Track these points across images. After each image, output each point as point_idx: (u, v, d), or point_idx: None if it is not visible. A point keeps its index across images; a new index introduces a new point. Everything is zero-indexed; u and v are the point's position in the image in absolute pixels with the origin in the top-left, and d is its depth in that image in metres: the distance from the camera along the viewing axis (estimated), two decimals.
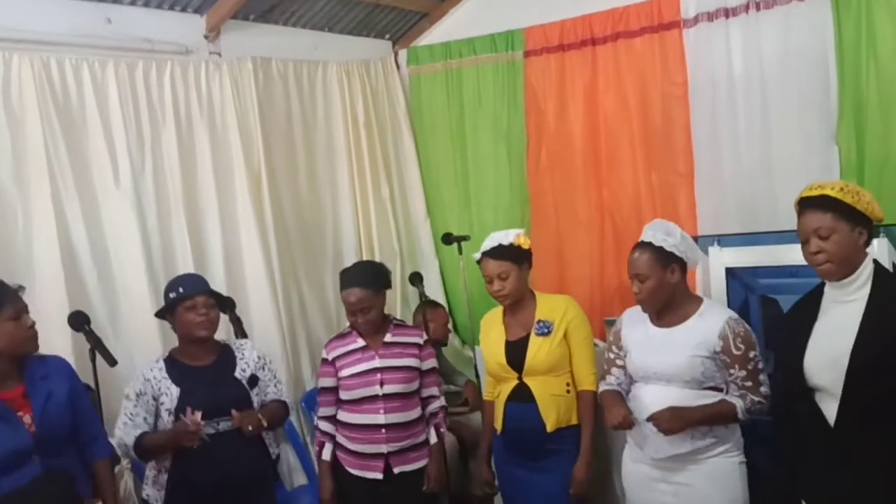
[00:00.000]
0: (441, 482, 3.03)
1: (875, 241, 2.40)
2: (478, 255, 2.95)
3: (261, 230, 3.94)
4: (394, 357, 3.00)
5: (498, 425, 2.96)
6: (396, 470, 2.96)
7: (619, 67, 4.13)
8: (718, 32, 3.85)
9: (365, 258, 4.40)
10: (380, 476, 2.95)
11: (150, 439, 2.69)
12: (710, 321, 2.50)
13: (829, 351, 2.08)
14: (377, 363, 2.98)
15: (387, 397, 2.95)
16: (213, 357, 2.85)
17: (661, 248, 2.52)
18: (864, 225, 2.10)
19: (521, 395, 2.88)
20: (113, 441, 2.72)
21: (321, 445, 3.06)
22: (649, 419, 2.45)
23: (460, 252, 4.08)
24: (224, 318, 3.03)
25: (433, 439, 3.05)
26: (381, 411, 2.94)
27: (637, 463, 2.63)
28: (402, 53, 4.79)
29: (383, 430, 2.94)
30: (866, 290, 2.08)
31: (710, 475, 2.47)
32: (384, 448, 2.95)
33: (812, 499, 2.19)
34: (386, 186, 4.56)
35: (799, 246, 3.25)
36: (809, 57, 3.65)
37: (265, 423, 2.77)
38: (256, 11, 4.14)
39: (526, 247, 2.90)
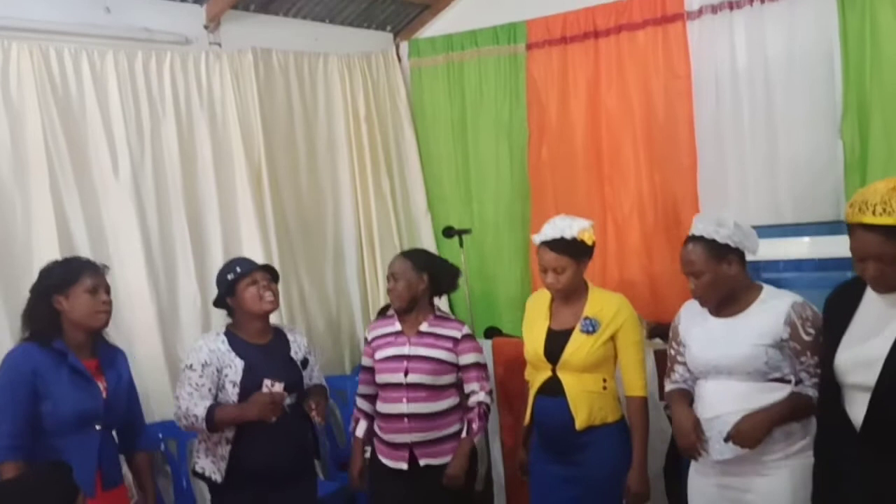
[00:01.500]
0: (455, 477, 2.92)
1: None
2: (538, 240, 2.76)
3: (261, 223, 3.92)
4: (425, 347, 2.96)
5: (526, 417, 2.85)
6: (422, 462, 2.93)
7: (621, 61, 4.10)
8: (722, 25, 3.82)
9: (365, 252, 4.40)
10: (405, 466, 2.93)
11: (223, 410, 2.71)
12: (774, 307, 2.33)
13: (864, 348, 1.97)
14: (406, 350, 2.96)
15: (410, 387, 2.92)
16: (269, 336, 2.91)
17: (713, 241, 2.35)
18: None
19: (552, 389, 2.72)
20: (176, 413, 2.77)
21: (356, 421, 3.09)
22: (726, 440, 2.27)
23: (461, 245, 4.06)
24: None
25: (464, 433, 2.97)
26: (404, 400, 2.92)
27: (703, 474, 2.44)
28: (404, 46, 4.76)
29: (406, 420, 2.92)
30: None
31: (790, 477, 2.28)
32: (408, 438, 2.93)
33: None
34: (387, 180, 4.53)
35: (802, 240, 3.26)
36: (814, 51, 3.63)
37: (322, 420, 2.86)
38: (257, 2, 4.12)
39: (590, 243, 2.71)
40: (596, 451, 2.69)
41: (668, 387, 2.59)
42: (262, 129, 3.99)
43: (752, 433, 2.25)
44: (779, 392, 2.31)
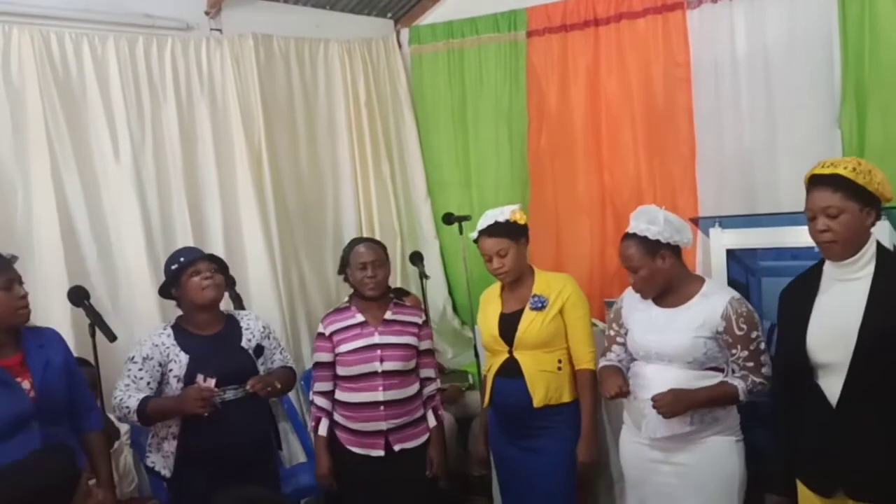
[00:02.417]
0: (443, 467, 3.04)
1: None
2: (474, 235, 2.93)
3: (261, 207, 3.94)
4: (393, 334, 3.00)
5: (486, 399, 2.98)
6: (397, 447, 2.96)
7: (621, 49, 4.11)
8: (722, 14, 3.84)
9: (365, 236, 4.40)
10: (381, 453, 2.95)
11: (155, 403, 2.67)
12: (713, 301, 2.48)
13: (834, 328, 2.07)
14: (377, 339, 2.98)
15: (386, 374, 2.95)
16: (219, 326, 2.86)
17: (645, 238, 2.50)
18: (872, 205, 2.07)
19: (510, 370, 2.87)
20: (112, 403, 2.70)
21: (317, 421, 3.04)
22: (652, 400, 2.43)
23: (461, 232, 4.06)
24: (225, 295, 3.02)
25: (432, 422, 3.05)
26: (381, 388, 2.94)
27: (635, 444, 2.62)
28: (405, 32, 4.76)
29: (382, 408, 2.94)
30: (870, 268, 2.07)
31: (709, 454, 2.47)
32: (383, 425, 2.95)
33: (809, 479, 2.20)
34: (387, 165, 4.55)
35: (800, 228, 3.26)
36: (813, 39, 3.64)
37: (279, 386, 2.79)
38: None
39: (522, 222, 2.88)
40: (552, 430, 2.84)
41: (602, 363, 2.75)
42: (262, 114, 4.01)
43: (674, 404, 2.40)
44: (712, 380, 2.47)
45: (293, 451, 3.73)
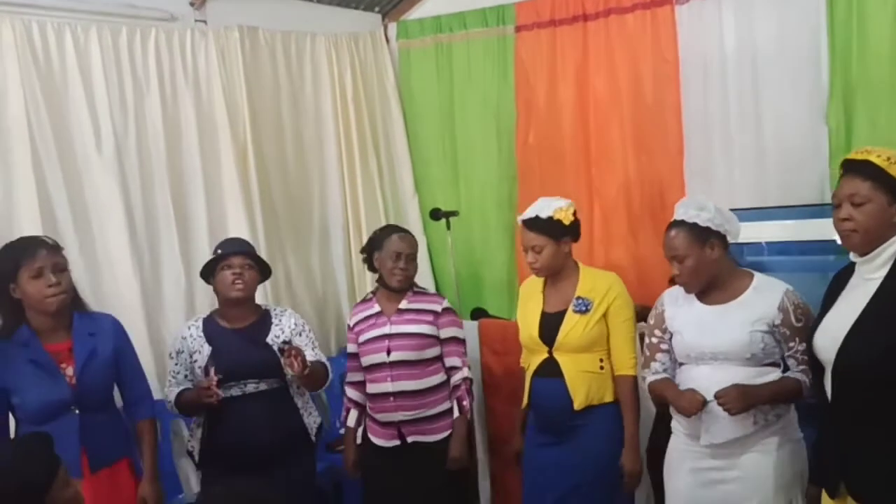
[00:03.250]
0: (460, 462, 2.95)
1: None
2: (519, 220, 2.81)
3: (246, 201, 3.90)
4: (405, 324, 2.97)
5: (524, 400, 2.86)
6: (410, 439, 2.94)
7: (610, 44, 4.09)
8: (711, 10, 3.82)
9: (352, 233, 4.38)
10: (397, 443, 2.94)
11: (183, 396, 2.82)
12: (768, 294, 2.37)
13: (833, 328, 2.02)
14: (387, 329, 2.97)
15: (393, 365, 2.93)
16: (249, 320, 2.89)
17: (695, 225, 2.37)
18: None
19: (549, 370, 2.74)
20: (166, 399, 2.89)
21: (347, 411, 3.10)
22: (716, 397, 2.29)
23: (448, 227, 4.05)
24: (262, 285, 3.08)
25: (456, 413, 2.98)
26: (389, 379, 2.93)
27: (689, 451, 2.46)
28: (392, 27, 4.72)
29: (392, 399, 2.93)
30: (886, 269, 1.98)
31: (770, 459, 2.34)
32: (395, 416, 2.94)
33: (819, 478, 2.16)
34: (374, 161, 4.51)
35: (786, 223, 3.29)
36: (801, 37, 3.64)
37: (307, 370, 2.71)
38: None
39: (567, 222, 2.72)
40: (593, 431, 2.72)
41: (651, 378, 2.57)
42: (248, 108, 3.96)
43: (740, 399, 2.25)
44: (772, 376, 2.36)
45: None
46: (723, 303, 2.42)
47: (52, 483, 1.76)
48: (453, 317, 3.06)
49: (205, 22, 3.94)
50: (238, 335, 2.85)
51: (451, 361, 3.01)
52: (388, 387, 2.93)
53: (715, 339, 2.38)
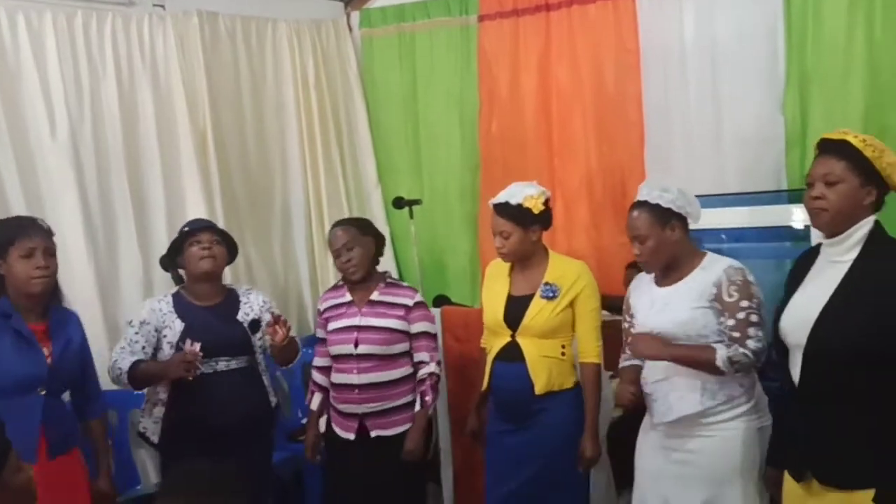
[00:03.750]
0: (414, 454, 2.93)
1: None
2: (490, 204, 2.80)
3: (206, 188, 3.85)
4: (375, 317, 2.93)
5: (484, 382, 2.85)
6: (373, 433, 2.91)
7: (572, 34, 4.10)
8: (671, 1, 3.86)
9: (314, 221, 4.35)
10: (352, 437, 2.92)
11: (145, 367, 2.72)
12: (710, 271, 2.38)
13: (803, 310, 2.01)
14: (357, 321, 2.94)
15: (360, 357, 2.90)
16: (218, 299, 2.89)
17: (657, 206, 2.39)
18: (876, 185, 1.96)
19: (511, 355, 2.74)
20: (109, 364, 2.77)
21: (311, 394, 3.07)
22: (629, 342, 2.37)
23: (411, 216, 4.04)
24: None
25: (418, 407, 2.95)
26: (355, 371, 2.91)
27: (648, 432, 2.50)
28: (355, 15, 4.68)
29: (356, 391, 2.91)
30: (855, 252, 1.97)
31: (723, 441, 2.34)
32: (358, 409, 2.91)
33: (784, 462, 2.16)
34: (336, 149, 4.47)
35: (744, 210, 3.34)
36: (758, 29, 3.70)
37: (286, 339, 2.76)
38: None
39: (537, 211, 2.70)
40: (552, 416, 2.72)
41: (621, 364, 2.61)
42: (207, 94, 3.91)
43: (644, 348, 2.38)
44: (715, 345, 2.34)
45: None
46: (673, 283, 2.44)
47: (2, 468, 1.71)
48: (425, 311, 3.04)
49: (163, 7, 3.88)
50: (210, 312, 2.84)
51: (419, 356, 2.98)
52: (354, 379, 2.91)
53: (661, 320, 2.40)
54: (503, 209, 2.72)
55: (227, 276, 3.79)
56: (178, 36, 3.84)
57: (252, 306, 2.92)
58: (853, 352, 1.91)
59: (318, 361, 3.07)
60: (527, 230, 2.72)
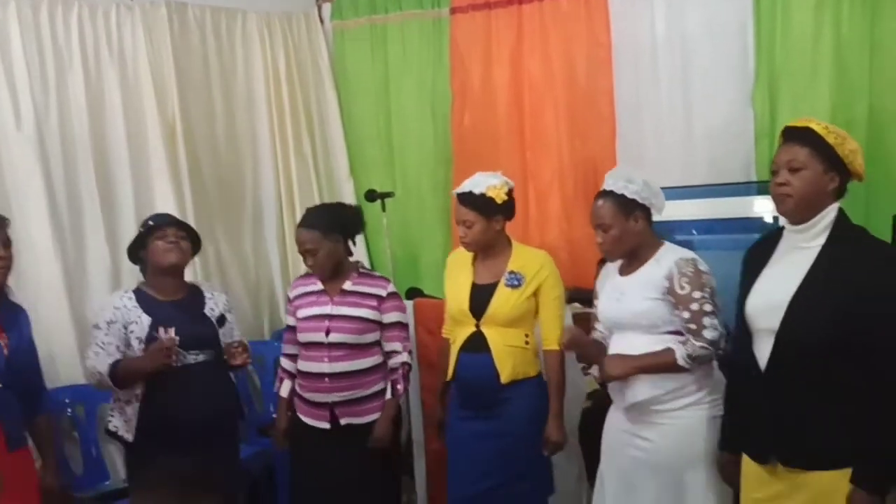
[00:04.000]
0: (381, 440, 2.93)
1: None
2: (453, 193, 2.83)
3: (175, 182, 3.80)
4: (348, 306, 2.92)
5: (449, 372, 2.87)
6: (343, 421, 2.91)
7: (544, 28, 4.11)
8: None
9: (286, 215, 4.33)
10: (326, 426, 2.91)
11: (124, 364, 2.68)
12: (663, 262, 2.41)
13: (772, 295, 2.04)
14: (328, 310, 2.92)
15: (332, 346, 2.89)
16: (182, 294, 2.85)
17: (622, 196, 2.41)
18: (838, 171, 2.00)
19: (476, 345, 2.77)
20: (85, 372, 2.74)
21: (280, 381, 3.05)
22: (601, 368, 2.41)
23: (384, 209, 4.03)
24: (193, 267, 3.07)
25: (388, 395, 2.96)
26: (326, 359, 2.89)
27: (615, 413, 2.56)
28: (326, 7, 4.65)
29: (327, 379, 2.89)
30: (822, 238, 2.01)
31: (681, 427, 2.38)
32: (329, 397, 2.90)
33: (746, 445, 2.19)
34: (308, 142, 4.45)
35: (714, 201, 3.38)
36: (729, 23, 3.74)
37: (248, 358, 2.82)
38: None
39: (500, 200, 2.73)
40: (516, 404, 2.75)
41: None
42: (176, 86, 3.86)
43: (611, 366, 2.40)
44: (669, 344, 2.36)
45: None
46: (632, 273, 2.48)
47: None
48: (398, 301, 3.03)
49: None
50: (175, 306, 2.80)
51: (392, 346, 2.98)
52: (325, 367, 2.89)
53: (618, 309, 2.46)
54: (466, 198, 2.75)
55: (198, 271, 3.79)
56: (146, 27, 3.79)
57: (217, 302, 2.92)
58: (825, 336, 1.95)
59: (287, 349, 3.06)
60: (490, 220, 2.74)
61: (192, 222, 3.78)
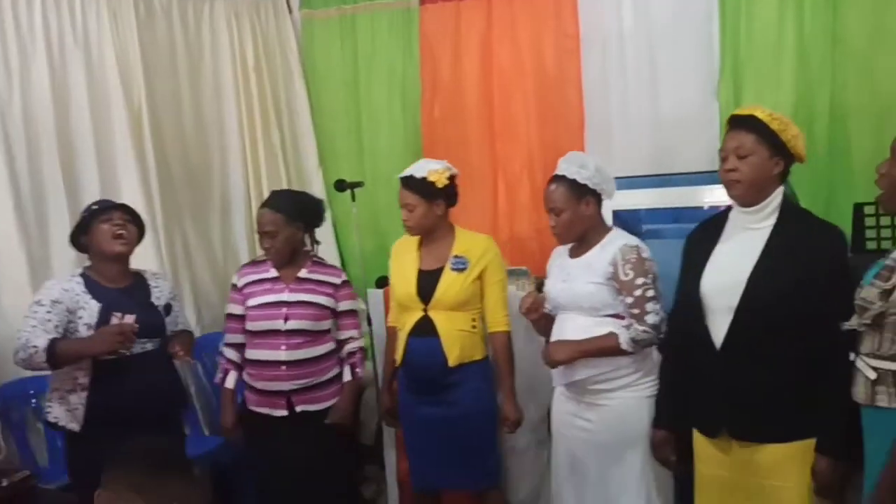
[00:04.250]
0: (343, 417, 2.96)
1: None
2: (398, 178, 2.89)
3: (141, 171, 3.76)
4: (304, 293, 2.93)
5: (398, 357, 2.92)
6: (299, 408, 2.91)
7: (513, 18, 4.12)
8: None
9: (254, 205, 4.29)
10: (284, 413, 2.89)
11: (65, 344, 2.54)
12: (608, 248, 2.50)
13: (728, 274, 2.13)
14: (286, 296, 2.91)
15: (289, 333, 2.89)
16: (128, 281, 2.78)
17: (574, 181, 2.51)
18: (783, 156, 2.13)
19: (424, 330, 2.84)
20: (17, 345, 2.58)
21: (225, 373, 3.01)
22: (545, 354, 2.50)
23: (353, 199, 4.02)
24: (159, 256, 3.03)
25: (347, 377, 3.00)
26: (283, 347, 2.88)
27: (559, 396, 2.66)
28: None
29: (283, 367, 2.88)
30: (773, 219, 2.13)
31: (618, 408, 2.48)
32: (286, 385, 2.89)
33: (696, 419, 2.28)
34: (276, 133, 4.42)
35: (681, 190, 3.43)
36: (694, 15, 3.79)
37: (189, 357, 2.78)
38: None
39: (441, 184, 2.80)
40: (464, 387, 2.84)
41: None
42: (142, 74, 3.82)
43: (555, 352, 2.49)
44: (609, 327, 2.47)
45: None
46: (580, 256, 2.57)
47: None
48: (351, 289, 3.09)
49: None
50: (123, 294, 2.74)
51: (348, 333, 3.03)
52: (282, 355, 2.88)
53: (563, 290, 2.55)
54: (409, 182, 2.84)
55: (164, 260, 3.75)
56: (111, 13, 3.73)
57: (162, 290, 2.86)
58: (784, 310, 2.05)
59: (232, 338, 3.01)
60: (431, 203, 2.83)
61: (158, 211, 3.79)
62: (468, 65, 4.26)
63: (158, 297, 2.83)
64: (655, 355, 2.52)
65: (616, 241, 2.51)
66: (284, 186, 4.39)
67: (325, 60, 4.57)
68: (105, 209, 2.73)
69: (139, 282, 2.84)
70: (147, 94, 3.83)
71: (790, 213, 2.15)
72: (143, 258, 3.66)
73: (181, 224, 4.02)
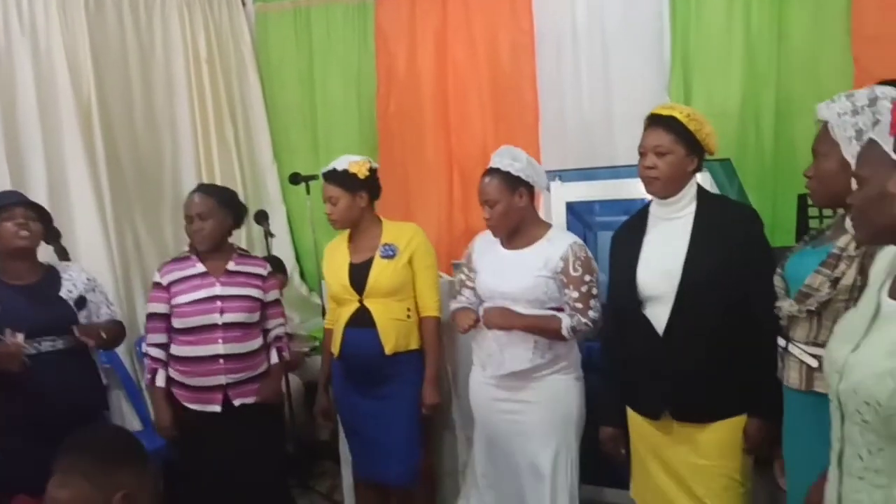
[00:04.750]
0: (270, 395, 2.98)
1: (698, 175, 2.56)
2: (320, 174, 2.94)
3: (90, 164, 3.70)
4: (236, 286, 2.91)
5: (335, 350, 2.95)
6: (236, 402, 2.89)
7: (469, 13, 4.16)
8: None
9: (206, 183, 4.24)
10: (218, 408, 2.87)
11: None
12: (557, 244, 2.57)
13: (661, 263, 2.22)
14: (218, 290, 2.88)
15: (226, 326, 2.87)
16: (35, 277, 2.69)
17: (508, 173, 2.56)
18: (697, 153, 2.25)
19: (361, 320, 2.87)
20: None
21: (153, 373, 2.94)
22: (484, 312, 2.57)
23: (308, 192, 4.00)
24: (49, 249, 2.85)
25: (274, 359, 3.02)
26: (220, 341, 2.86)
27: (482, 383, 2.70)
28: None
29: (221, 361, 2.86)
30: (691, 209, 2.24)
31: (549, 391, 2.58)
32: (223, 379, 2.87)
33: (638, 404, 2.35)
34: (230, 127, 4.39)
35: (633, 182, 3.47)
36: (646, 13, 3.85)
37: (104, 336, 2.67)
38: None
39: (362, 176, 2.85)
40: (400, 377, 2.88)
41: (453, 305, 2.80)
42: (92, 66, 3.76)
43: (499, 317, 2.55)
44: (559, 314, 2.55)
45: (127, 420, 3.54)
46: (519, 248, 2.63)
47: None
48: (276, 280, 3.13)
49: None
50: (26, 292, 2.64)
51: (275, 321, 3.06)
52: (219, 349, 2.86)
53: (505, 282, 2.59)
54: (331, 176, 2.88)
55: (115, 255, 3.68)
56: (59, 3, 3.66)
57: (75, 283, 2.77)
58: (718, 290, 2.15)
59: (155, 338, 2.94)
60: (354, 195, 2.86)
61: (108, 206, 3.72)
62: (423, 59, 4.27)
63: (71, 290, 2.74)
64: (575, 345, 2.64)
65: (565, 238, 2.60)
66: (238, 181, 4.38)
67: (280, 54, 4.55)
68: (6, 206, 2.63)
69: (49, 276, 2.74)
70: (97, 86, 3.77)
71: (707, 199, 2.28)
72: (91, 252, 3.65)
73: (132, 219, 3.96)
